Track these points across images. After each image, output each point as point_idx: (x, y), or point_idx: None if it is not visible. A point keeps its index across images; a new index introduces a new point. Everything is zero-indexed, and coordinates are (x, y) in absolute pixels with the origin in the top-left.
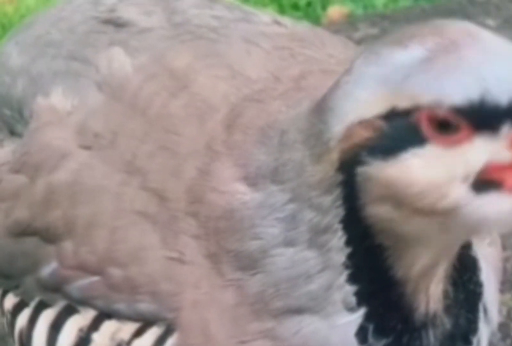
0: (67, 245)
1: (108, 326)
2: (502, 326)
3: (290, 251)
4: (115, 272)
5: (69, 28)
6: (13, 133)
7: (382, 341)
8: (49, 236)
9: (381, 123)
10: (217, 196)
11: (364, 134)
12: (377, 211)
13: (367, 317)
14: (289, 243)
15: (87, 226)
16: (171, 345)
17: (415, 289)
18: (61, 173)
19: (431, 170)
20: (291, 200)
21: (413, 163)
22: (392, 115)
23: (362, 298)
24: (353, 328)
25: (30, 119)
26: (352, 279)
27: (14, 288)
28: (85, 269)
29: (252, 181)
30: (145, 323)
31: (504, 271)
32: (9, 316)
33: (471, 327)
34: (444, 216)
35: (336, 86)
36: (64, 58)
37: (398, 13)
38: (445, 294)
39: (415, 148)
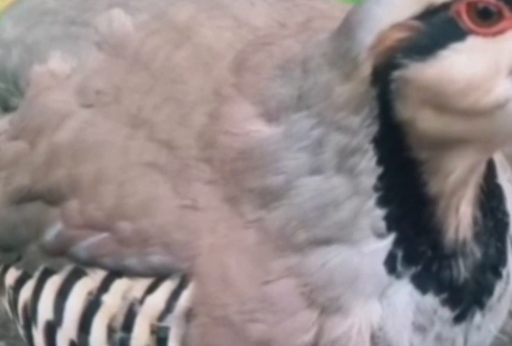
0: (73, 205)
1: (119, 285)
2: None
3: (316, 179)
4: (125, 226)
5: None
6: (7, 108)
7: (411, 269)
8: (52, 198)
9: (417, 23)
10: (231, 138)
11: (398, 36)
12: (416, 119)
13: (396, 243)
14: (315, 171)
15: (93, 182)
16: (186, 297)
17: (446, 208)
18: (63, 133)
19: (474, 64)
20: (317, 125)
21: (454, 59)
22: (428, 13)
23: (391, 222)
24: (382, 256)
25: (27, 87)
26: (382, 202)
27: (16, 261)
28: (92, 226)
29: (272, 116)
30: (158, 278)
31: None
32: (11, 291)
33: (501, 258)
34: (488, 116)
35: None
36: (62, 23)
37: None
38: (475, 220)
39: (456, 43)
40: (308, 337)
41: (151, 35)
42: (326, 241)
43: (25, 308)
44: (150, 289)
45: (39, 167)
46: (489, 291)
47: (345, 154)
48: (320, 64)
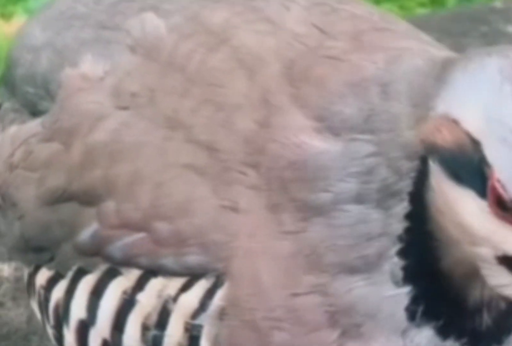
0: (109, 205)
1: (154, 284)
2: None
3: (358, 208)
4: (162, 226)
5: (95, 0)
6: (35, 112)
7: (431, 322)
8: (88, 199)
9: (469, 141)
10: (283, 147)
11: (448, 136)
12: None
13: (416, 297)
14: (359, 199)
15: (130, 183)
16: (221, 297)
17: (466, 281)
18: (98, 133)
19: (480, 221)
20: (374, 154)
21: (469, 203)
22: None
23: (408, 275)
24: (401, 303)
25: (58, 90)
26: (402, 254)
27: (48, 261)
28: (129, 226)
29: (331, 132)
30: (193, 277)
31: None
32: (42, 291)
33: None
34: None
35: (458, 66)
36: (92, 27)
37: (416, 21)
38: None
39: (477, 193)
40: None
41: (184, 38)
42: (351, 271)
43: (56, 308)
44: (185, 288)
45: (74, 168)
46: (509, 330)
47: (387, 193)
48: (401, 92)
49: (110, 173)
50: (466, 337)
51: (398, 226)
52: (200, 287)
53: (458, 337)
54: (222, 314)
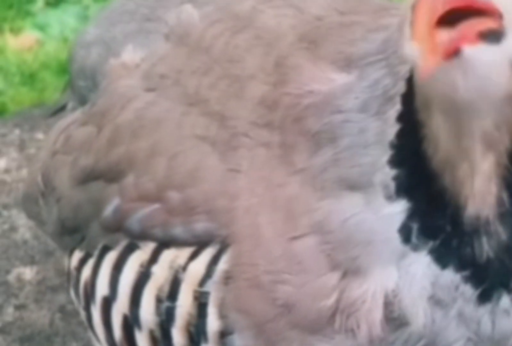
0: (129, 179)
1: (167, 256)
2: None
3: (361, 117)
4: (173, 196)
5: None
6: (84, 104)
7: (428, 243)
8: (112, 176)
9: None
10: (297, 97)
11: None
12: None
13: (410, 214)
14: (363, 109)
15: (148, 156)
16: (225, 262)
17: (455, 181)
18: (126, 113)
19: None
20: (381, 67)
21: None
22: None
23: (400, 186)
24: (396, 223)
25: (103, 80)
26: (393, 161)
27: (80, 242)
28: (145, 198)
29: (346, 68)
30: (200, 246)
31: None
32: (75, 273)
33: None
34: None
35: None
36: (138, 21)
37: None
38: (500, 201)
39: None
40: (330, 301)
41: (213, 24)
42: (350, 187)
43: (85, 287)
44: (193, 256)
45: (102, 147)
46: None
47: (385, 99)
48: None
49: (131, 148)
50: (468, 270)
51: (391, 131)
52: (206, 255)
53: (458, 267)
54: (226, 278)
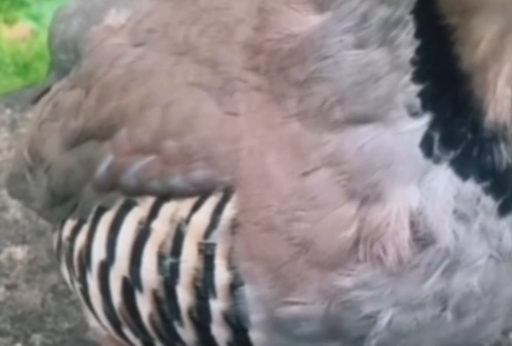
0: (122, 133)
1: (167, 209)
2: None
3: (358, 53)
4: (170, 145)
5: None
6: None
7: (449, 154)
8: (104, 133)
9: None
10: (278, 41)
11: None
12: None
13: (433, 124)
14: (358, 46)
15: (140, 108)
16: (231, 209)
17: (482, 85)
18: (114, 70)
19: None
20: (363, 1)
21: None
22: None
23: (427, 99)
24: (418, 138)
25: (85, 47)
26: (417, 77)
27: (72, 210)
28: (140, 150)
29: (322, 5)
30: (203, 196)
31: None
32: (67, 244)
33: None
34: None
35: None
36: None
37: None
38: None
39: None
40: (350, 232)
41: None
42: (363, 120)
43: (80, 256)
44: (196, 207)
45: (91, 106)
46: None
47: (388, 26)
48: None
49: (122, 102)
50: (488, 180)
51: (408, 52)
52: (210, 204)
53: (479, 178)
54: (233, 226)
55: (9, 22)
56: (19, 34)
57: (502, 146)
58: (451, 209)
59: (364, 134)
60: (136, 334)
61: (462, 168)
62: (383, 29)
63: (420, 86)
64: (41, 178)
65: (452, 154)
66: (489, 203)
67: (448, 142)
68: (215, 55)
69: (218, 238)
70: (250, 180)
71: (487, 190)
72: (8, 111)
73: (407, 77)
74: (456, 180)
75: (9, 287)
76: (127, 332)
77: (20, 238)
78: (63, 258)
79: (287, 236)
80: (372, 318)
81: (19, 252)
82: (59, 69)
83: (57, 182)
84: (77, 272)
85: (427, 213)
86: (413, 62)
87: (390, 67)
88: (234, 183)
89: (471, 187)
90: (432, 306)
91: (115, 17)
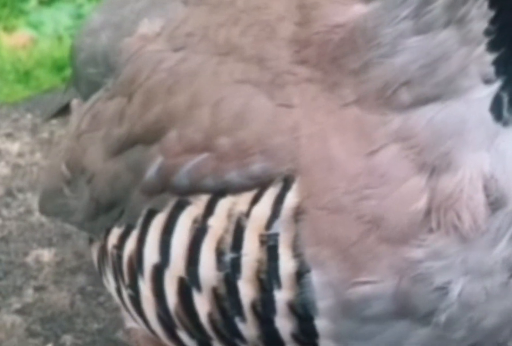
0: (171, 135)
1: (223, 205)
2: None
3: (421, 38)
4: (223, 142)
5: None
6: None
7: None
8: (151, 137)
9: None
10: (327, 33)
11: None
12: None
13: (502, 88)
14: (420, 30)
15: (189, 108)
16: (292, 197)
17: None
18: (156, 75)
19: None
20: None
21: None
22: None
23: (501, 66)
24: (487, 103)
25: (118, 57)
26: (493, 46)
27: (118, 217)
28: (191, 150)
29: None
30: (261, 188)
31: None
32: (114, 252)
33: None
34: None
35: None
36: None
37: None
38: None
39: None
40: (421, 203)
41: None
42: (434, 98)
43: (130, 262)
44: (255, 200)
45: (136, 111)
46: None
47: (456, 5)
48: None
49: (169, 105)
50: None
51: (480, 24)
52: (269, 196)
53: None
54: (297, 214)
55: (9, 29)
56: (19, 42)
57: None
58: None
59: (433, 110)
60: (192, 335)
61: None
62: (450, 9)
63: (495, 54)
64: (82, 190)
65: None
66: None
67: None
68: (261, 52)
69: (281, 227)
70: (312, 165)
71: None
72: (28, 116)
73: (480, 48)
74: None
75: (37, 289)
76: (182, 334)
77: (46, 241)
78: (108, 268)
79: (356, 215)
80: (443, 290)
81: (46, 255)
82: (87, 82)
83: (102, 190)
84: (127, 279)
85: (498, 176)
86: (488, 32)
87: (460, 43)
88: (295, 172)
89: None
90: (500, 273)
91: (149, 26)
